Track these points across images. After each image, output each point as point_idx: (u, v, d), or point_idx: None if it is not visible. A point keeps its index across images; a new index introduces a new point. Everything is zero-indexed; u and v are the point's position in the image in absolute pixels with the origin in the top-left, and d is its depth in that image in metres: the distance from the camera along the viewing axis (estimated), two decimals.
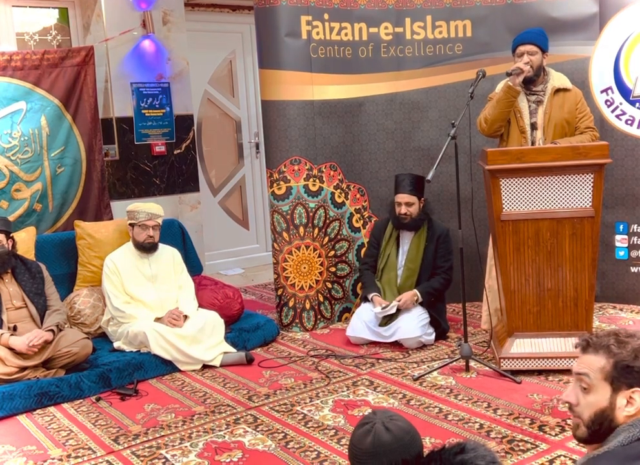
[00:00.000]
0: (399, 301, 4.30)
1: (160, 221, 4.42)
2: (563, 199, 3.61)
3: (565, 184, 3.59)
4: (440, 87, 5.01)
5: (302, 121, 4.72)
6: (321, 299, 4.87)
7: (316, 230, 4.82)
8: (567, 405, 1.71)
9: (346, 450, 2.44)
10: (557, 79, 4.03)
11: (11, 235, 4.05)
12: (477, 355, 3.98)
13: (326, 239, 4.88)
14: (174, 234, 4.96)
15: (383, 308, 4.29)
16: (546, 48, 3.98)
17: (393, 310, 4.29)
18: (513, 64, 3.98)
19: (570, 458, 2.81)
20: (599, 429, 1.62)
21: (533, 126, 4.01)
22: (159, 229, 4.42)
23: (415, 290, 4.35)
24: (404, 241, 4.50)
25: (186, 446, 3.12)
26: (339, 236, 4.95)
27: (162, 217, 4.46)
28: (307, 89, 4.72)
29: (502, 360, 3.74)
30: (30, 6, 5.39)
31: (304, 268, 4.80)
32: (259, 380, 3.91)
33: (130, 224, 4.40)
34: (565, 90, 4.02)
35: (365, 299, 4.51)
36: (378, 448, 1.60)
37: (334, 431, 3.20)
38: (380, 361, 4.12)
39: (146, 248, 4.37)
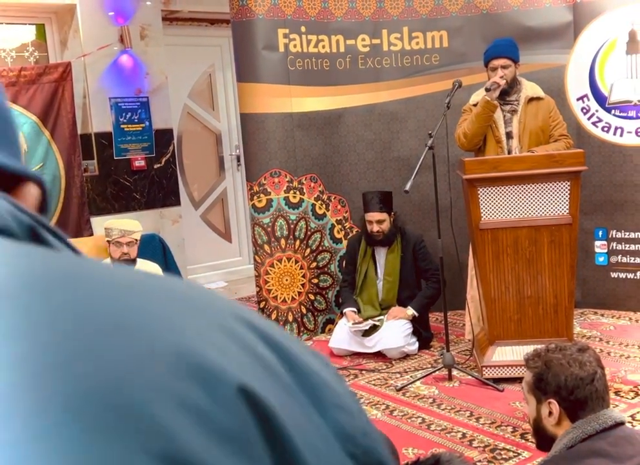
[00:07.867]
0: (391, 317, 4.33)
1: (136, 236, 4.35)
2: (541, 207, 3.63)
3: (542, 192, 3.62)
4: (418, 97, 5.04)
5: (281, 133, 4.73)
6: (304, 311, 4.86)
7: (297, 242, 4.81)
8: None
9: None
10: (529, 88, 4.06)
11: None
12: (460, 364, 3.98)
13: (308, 251, 4.88)
14: (154, 249, 4.92)
15: (354, 323, 4.30)
16: (518, 59, 4.02)
17: (366, 327, 4.30)
18: (488, 75, 4.02)
19: None
20: (540, 438, 1.77)
21: (509, 136, 4.04)
22: (135, 245, 4.35)
23: (408, 307, 4.36)
24: (379, 255, 4.50)
25: None
26: (320, 248, 4.95)
27: (139, 232, 4.40)
28: (285, 101, 4.73)
29: (484, 369, 3.75)
30: (6, 23, 5.37)
31: (286, 280, 4.79)
32: None
33: (107, 241, 4.36)
34: (538, 98, 4.05)
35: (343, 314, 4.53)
36: None
37: None
38: (363, 372, 4.12)
39: None
